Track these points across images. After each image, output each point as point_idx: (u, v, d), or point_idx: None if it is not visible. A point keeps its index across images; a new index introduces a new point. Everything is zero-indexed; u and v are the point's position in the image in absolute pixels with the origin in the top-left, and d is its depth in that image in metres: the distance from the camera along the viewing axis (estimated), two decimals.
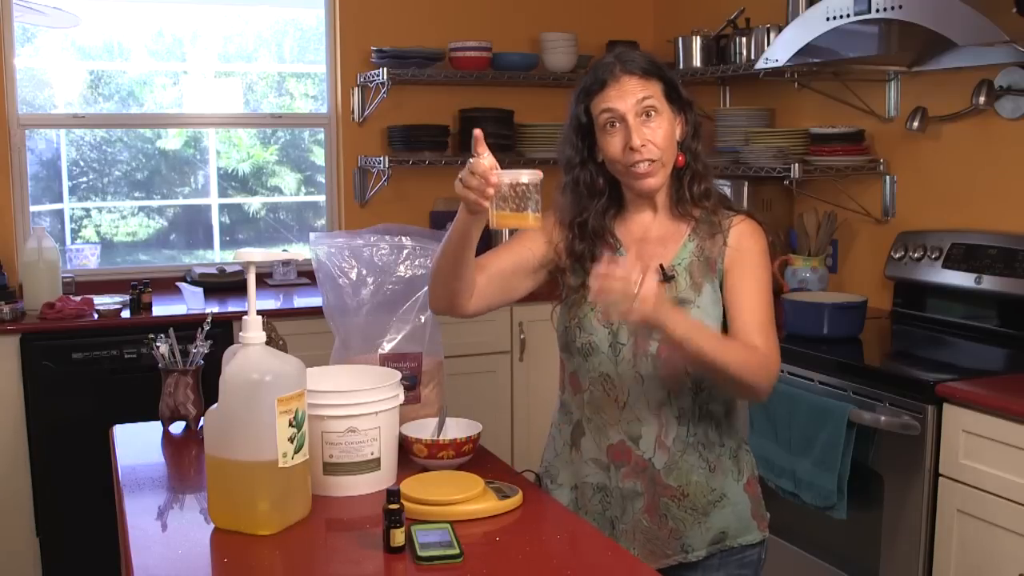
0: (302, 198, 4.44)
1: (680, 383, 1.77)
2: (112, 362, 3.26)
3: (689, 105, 1.81)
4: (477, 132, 1.63)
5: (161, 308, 3.43)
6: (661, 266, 1.78)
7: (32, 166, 3.83)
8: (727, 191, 3.56)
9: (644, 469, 1.79)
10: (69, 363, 3.21)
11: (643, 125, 1.74)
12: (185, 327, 2.32)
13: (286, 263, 3.97)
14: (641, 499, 1.80)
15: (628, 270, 1.58)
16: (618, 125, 1.75)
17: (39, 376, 3.19)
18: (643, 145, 1.73)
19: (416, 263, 2.08)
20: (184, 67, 4.16)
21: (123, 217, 4.17)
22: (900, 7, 2.65)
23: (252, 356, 1.58)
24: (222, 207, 4.27)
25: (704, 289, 1.77)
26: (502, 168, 1.61)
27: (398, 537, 1.50)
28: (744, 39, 3.66)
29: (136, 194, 4.15)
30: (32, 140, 3.86)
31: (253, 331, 1.59)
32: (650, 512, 1.80)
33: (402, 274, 2.06)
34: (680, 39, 3.89)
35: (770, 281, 1.81)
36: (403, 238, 2.09)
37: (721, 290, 1.78)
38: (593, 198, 1.83)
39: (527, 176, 1.57)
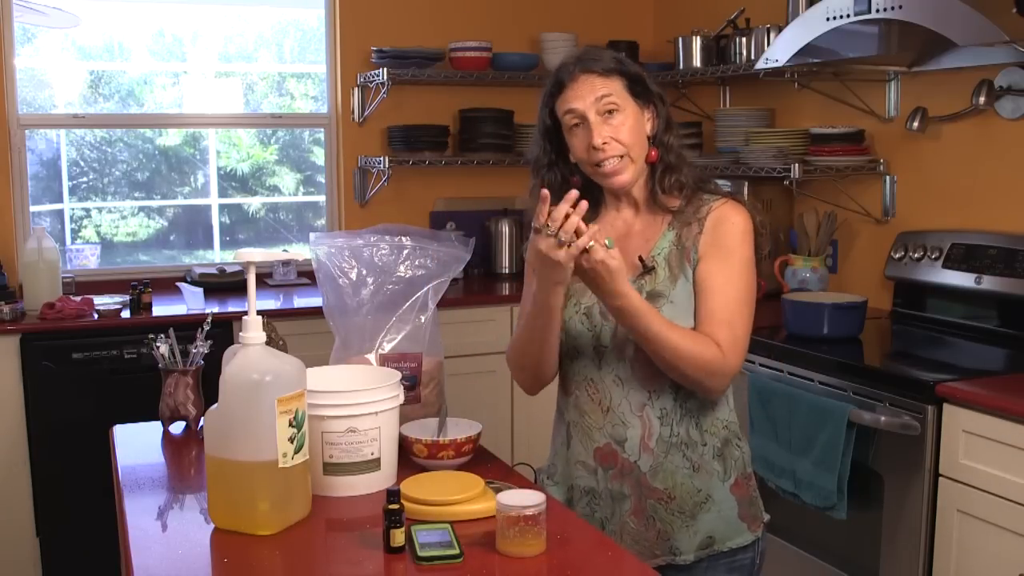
0: (302, 198, 4.44)
1: (660, 383, 1.75)
2: (112, 362, 3.26)
3: (659, 98, 1.80)
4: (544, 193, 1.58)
5: (161, 308, 3.43)
6: (640, 257, 1.77)
7: (32, 166, 3.83)
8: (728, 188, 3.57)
9: (631, 471, 1.78)
10: (69, 363, 3.21)
11: (605, 123, 1.73)
12: (185, 327, 2.32)
13: (286, 263, 3.97)
14: (628, 501, 1.80)
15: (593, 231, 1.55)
16: (581, 125, 1.75)
17: (39, 376, 3.18)
18: (605, 143, 1.72)
19: (416, 263, 2.07)
20: (184, 67, 4.16)
21: (123, 217, 4.17)
22: (900, 7, 2.65)
23: (252, 356, 1.58)
24: (222, 207, 4.27)
25: (679, 282, 1.75)
26: None
27: (398, 537, 1.50)
28: (744, 39, 3.66)
29: (136, 194, 4.15)
30: (32, 140, 3.86)
31: (253, 331, 1.59)
32: (637, 514, 1.79)
33: (402, 274, 2.06)
34: (680, 39, 3.90)
35: (749, 265, 1.75)
36: (403, 238, 2.08)
37: (694, 277, 1.75)
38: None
39: (532, 508, 1.50)
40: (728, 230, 1.75)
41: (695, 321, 1.74)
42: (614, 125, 1.73)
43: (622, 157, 1.74)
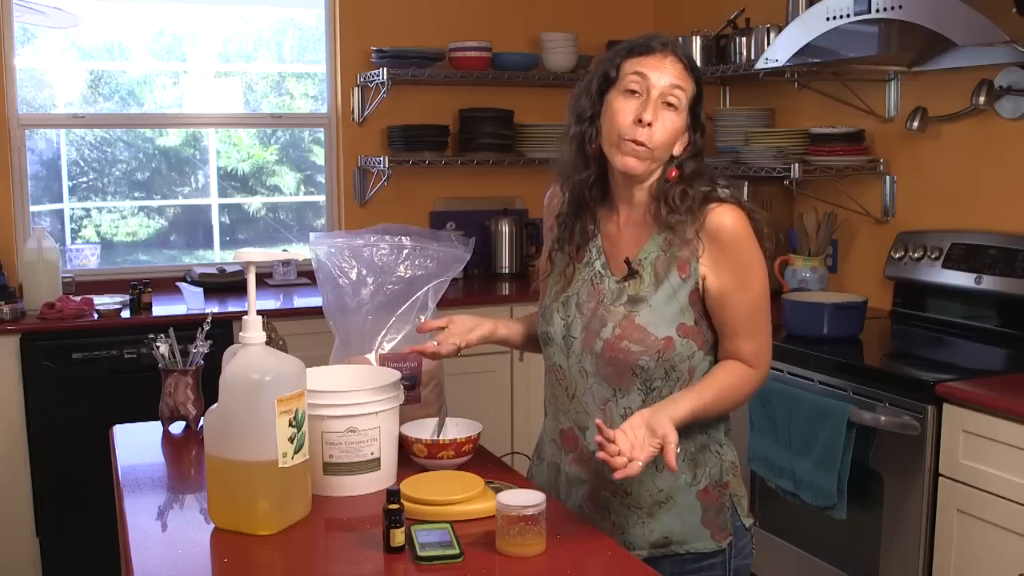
0: (302, 198, 4.44)
1: (627, 384, 1.73)
2: (112, 362, 3.26)
3: (703, 129, 1.75)
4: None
5: (161, 308, 3.43)
6: (627, 260, 1.75)
7: (32, 166, 3.83)
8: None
9: (589, 459, 1.77)
10: (69, 363, 3.21)
11: (660, 109, 1.68)
12: (185, 327, 2.32)
13: (286, 263, 3.97)
14: (585, 487, 1.79)
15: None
16: (638, 94, 1.68)
17: (39, 376, 3.18)
18: (650, 125, 1.67)
19: (416, 263, 2.07)
20: (184, 67, 4.16)
21: (123, 217, 4.17)
22: (900, 7, 2.65)
23: (252, 356, 1.58)
24: (222, 207, 4.27)
25: (663, 287, 1.71)
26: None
27: (398, 537, 1.50)
28: (744, 39, 3.66)
29: (136, 194, 4.15)
30: (32, 140, 3.86)
31: (253, 331, 1.59)
32: (592, 501, 1.79)
33: (402, 274, 2.06)
34: (680, 39, 3.89)
35: (758, 266, 1.72)
36: (403, 238, 2.08)
37: (703, 291, 1.71)
38: (587, 164, 1.77)
39: (532, 508, 1.50)
40: (728, 240, 1.70)
41: (719, 333, 1.74)
42: (664, 117, 1.68)
43: (648, 149, 1.68)
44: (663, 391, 1.72)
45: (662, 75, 1.68)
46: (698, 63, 3.71)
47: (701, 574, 1.76)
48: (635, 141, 1.68)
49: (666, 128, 1.68)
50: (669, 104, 1.68)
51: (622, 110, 1.69)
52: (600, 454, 1.55)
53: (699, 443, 1.76)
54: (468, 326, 1.90)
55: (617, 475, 1.53)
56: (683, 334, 1.71)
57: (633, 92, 1.69)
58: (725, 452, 1.80)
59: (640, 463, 1.54)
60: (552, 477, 1.87)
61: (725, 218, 1.70)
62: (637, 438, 1.56)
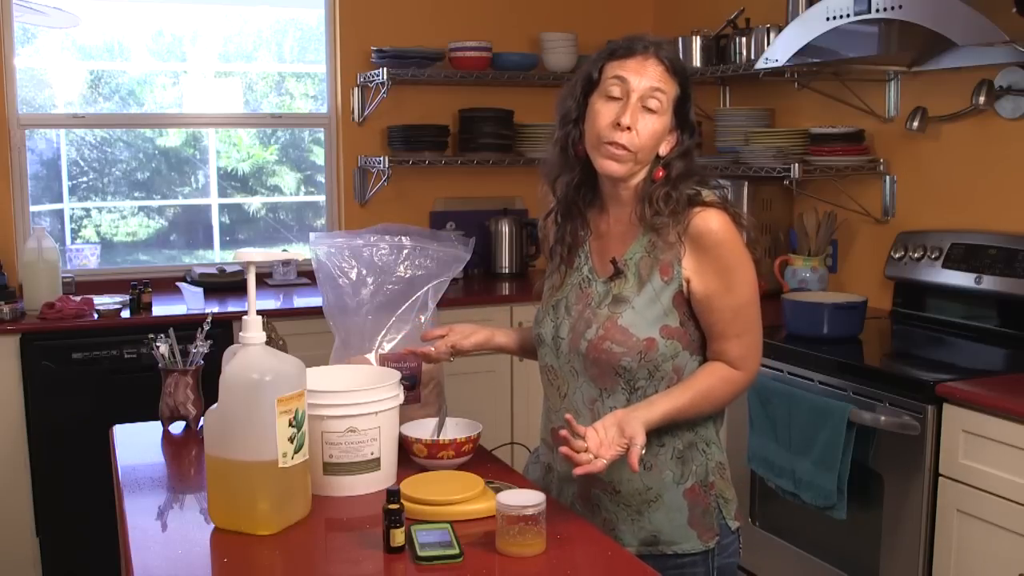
0: (302, 198, 4.45)
1: (612, 384, 1.73)
2: (112, 362, 3.26)
3: (691, 129, 1.75)
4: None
5: (161, 308, 3.43)
6: (613, 259, 1.75)
7: (32, 166, 3.83)
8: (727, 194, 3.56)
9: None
10: (69, 363, 3.21)
11: (639, 112, 1.69)
12: (185, 327, 2.32)
13: (286, 263, 3.97)
14: (575, 485, 1.81)
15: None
16: (618, 97, 1.69)
17: (39, 376, 3.18)
18: (628, 128, 1.67)
19: (416, 263, 2.08)
20: (184, 67, 4.16)
21: (123, 217, 4.17)
22: (900, 7, 2.65)
23: (252, 356, 1.58)
24: (222, 207, 4.27)
25: (645, 289, 1.72)
26: None
27: (398, 537, 1.50)
28: (744, 39, 3.66)
29: (136, 194, 4.15)
30: (32, 140, 3.86)
31: (253, 331, 1.59)
32: (583, 499, 1.80)
33: (402, 274, 2.06)
34: (680, 39, 3.89)
35: (744, 268, 1.71)
36: (403, 238, 2.09)
37: (688, 293, 1.71)
38: (572, 166, 1.78)
39: (532, 508, 1.50)
40: (710, 243, 1.69)
41: (706, 334, 1.73)
42: (645, 120, 1.69)
43: (628, 151, 1.69)
44: (647, 391, 1.73)
45: (642, 78, 1.69)
46: (696, 63, 3.79)
47: (684, 570, 1.76)
48: (614, 144, 1.69)
49: (647, 131, 1.69)
50: (649, 107, 1.70)
51: (602, 113, 1.70)
52: (563, 449, 1.58)
53: (687, 441, 1.76)
54: (466, 332, 1.95)
55: (578, 471, 1.56)
56: (666, 335, 1.71)
57: (614, 95, 1.70)
58: (713, 452, 1.79)
59: (604, 461, 1.57)
60: (544, 475, 1.90)
61: (709, 222, 1.69)
62: (607, 437, 1.59)
